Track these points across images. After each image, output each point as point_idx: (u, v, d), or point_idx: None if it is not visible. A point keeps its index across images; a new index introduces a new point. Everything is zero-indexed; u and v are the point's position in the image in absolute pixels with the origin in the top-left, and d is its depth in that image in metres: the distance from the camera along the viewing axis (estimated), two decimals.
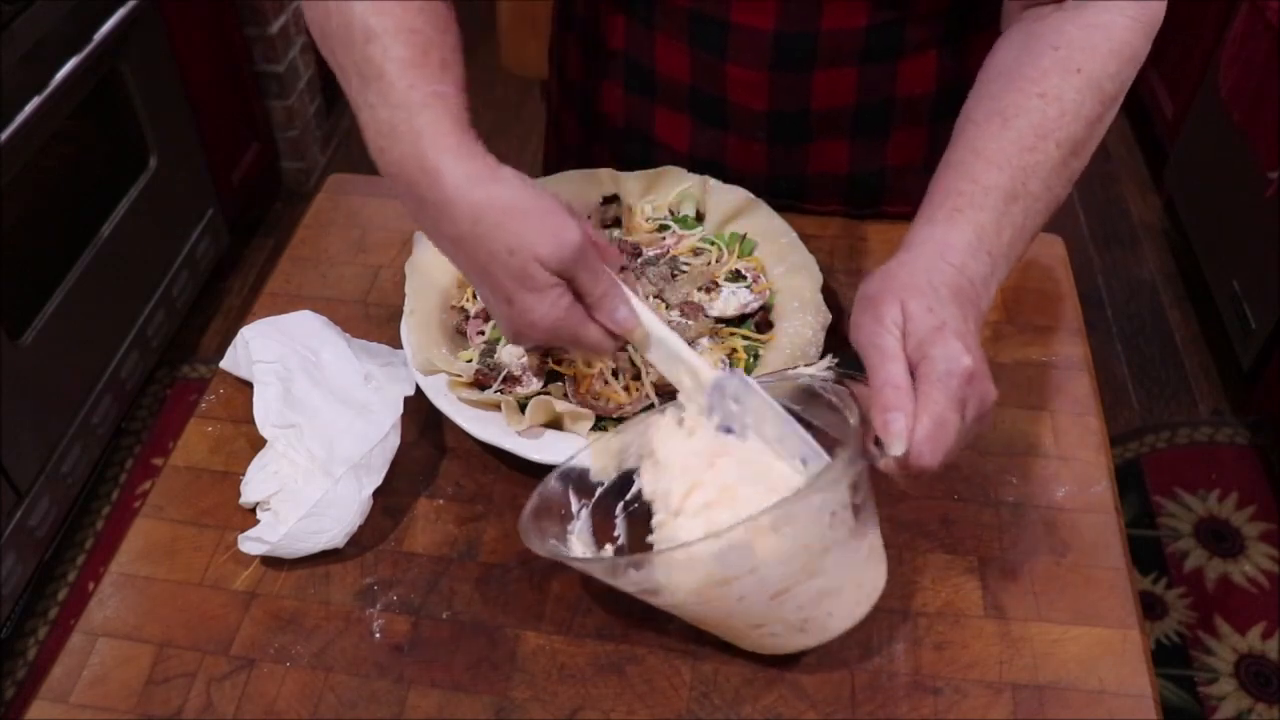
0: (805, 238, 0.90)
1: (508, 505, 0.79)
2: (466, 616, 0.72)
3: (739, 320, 0.85)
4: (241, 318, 1.51)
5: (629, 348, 0.80)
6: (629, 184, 0.94)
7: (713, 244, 0.91)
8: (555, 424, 0.78)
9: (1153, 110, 2.64)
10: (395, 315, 0.87)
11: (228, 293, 2.41)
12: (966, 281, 0.66)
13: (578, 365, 0.80)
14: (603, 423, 0.78)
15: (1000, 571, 0.74)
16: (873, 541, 0.67)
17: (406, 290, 0.86)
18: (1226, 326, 2.17)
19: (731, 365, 0.76)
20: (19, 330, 1.68)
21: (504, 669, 0.70)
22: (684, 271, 0.87)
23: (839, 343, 0.89)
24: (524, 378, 0.80)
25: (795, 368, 0.69)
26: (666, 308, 0.84)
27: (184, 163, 2.14)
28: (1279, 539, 1.91)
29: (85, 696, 0.69)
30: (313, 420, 0.77)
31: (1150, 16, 0.76)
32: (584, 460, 0.73)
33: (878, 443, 0.60)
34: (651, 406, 0.78)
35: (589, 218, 0.93)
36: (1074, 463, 0.80)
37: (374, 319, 0.93)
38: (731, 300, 0.85)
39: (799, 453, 0.66)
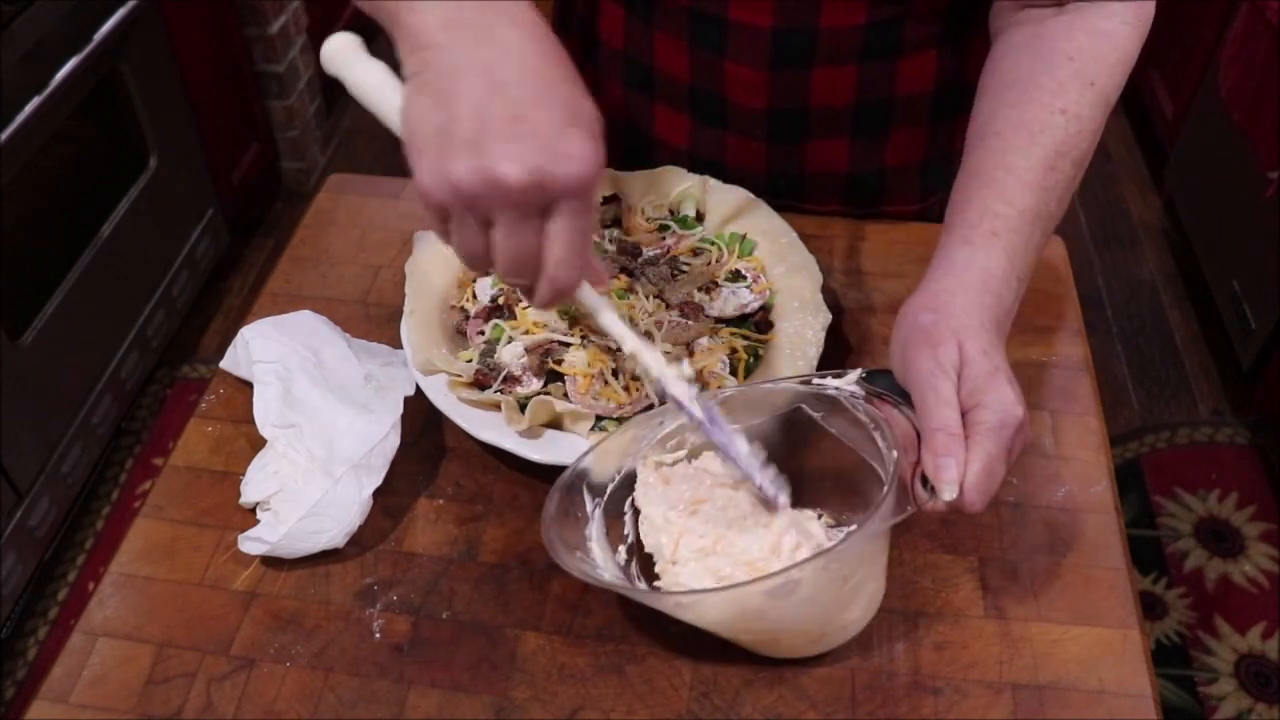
0: (805, 238, 0.90)
1: (508, 505, 0.79)
2: (466, 616, 0.72)
3: (739, 320, 0.85)
4: (241, 318, 1.51)
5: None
6: (629, 184, 0.94)
7: (713, 244, 0.91)
8: (555, 424, 0.78)
9: (1153, 110, 2.65)
10: (395, 315, 0.87)
11: (228, 293, 2.41)
12: (1003, 312, 0.68)
13: (577, 366, 0.80)
14: (603, 422, 0.78)
15: (1000, 571, 0.74)
16: (888, 552, 0.68)
17: (406, 290, 0.86)
18: (1226, 326, 2.17)
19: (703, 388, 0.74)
20: (19, 330, 1.68)
21: (504, 669, 0.70)
22: (684, 271, 0.87)
23: (838, 343, 0.89)
24: (524, 378, 0.80)
25: (822, 376, 0.69)
26: (666, 308, 0.84)
27: (184, 163, 2.14)
28: (1279, 539, 1.91)
29: (85, 696, 0.69)
30: (313, 420, 0.77)
31: (1145, 18, 0.77)
32: (590, 462, 0.72)
33: (924, 480, 0.61)
34: (651, 407, 0.78)
35: None
36: (1074, 463, 0.80)
37: (374, 319, 0.93)
38: (731, 300, 0.85)
39: (757, 476, 0.67)
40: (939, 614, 0.72)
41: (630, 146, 1.02)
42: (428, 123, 0.56)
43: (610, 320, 0.67)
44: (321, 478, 0.74)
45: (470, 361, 0.82)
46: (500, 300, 0.86)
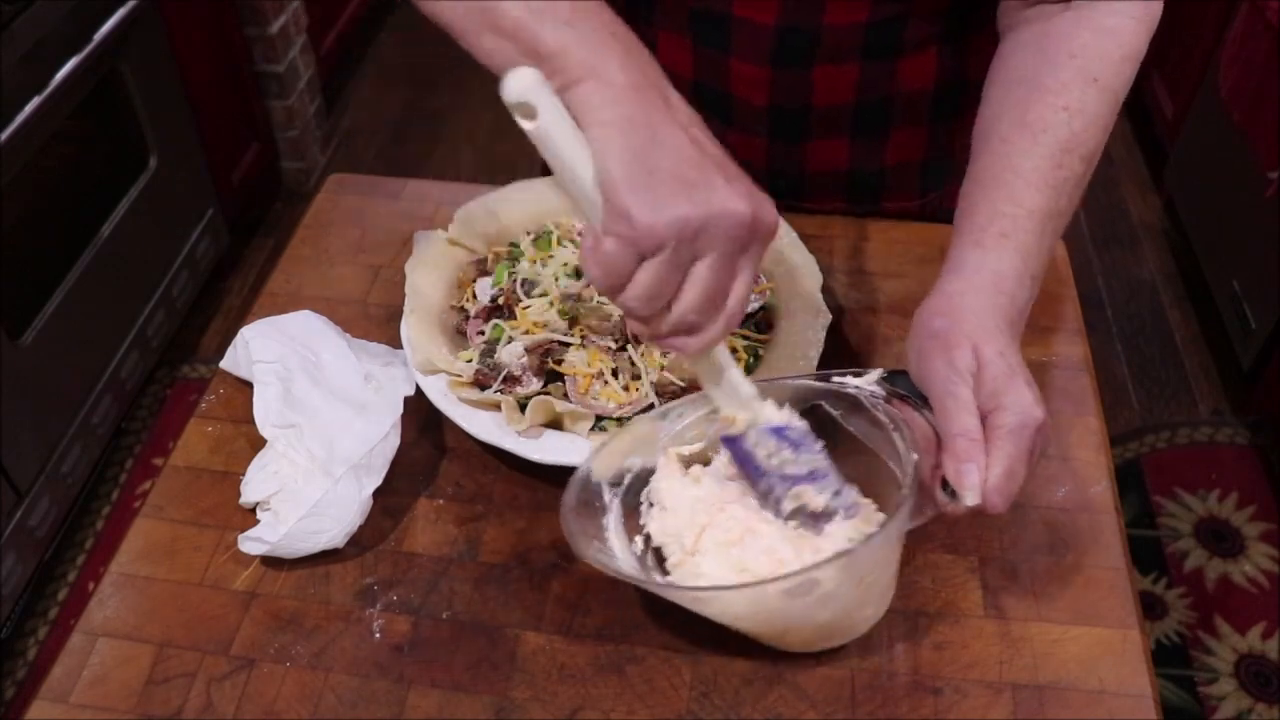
0: (805, 238, 0.90)
1: (508, 505, 0.79)
2: (466, 616, 0.72)
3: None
4: (241, 318, 1.51)
5: (630, 348, 0.80)
6: None
7: None
8: (555, 424, 0.78)
9: (1153, 110, 2.65)
10: (395, 315, 0.87)
11: (228, 293, 2.41)
12: (1016, 312, 0.69)
13: (577, 366, 0.80)
14: (603, 422, 0.78)
15: (1000, 571, 0.74)
16: (901, 551, 0.68)
17: (406, 290, 0.86)
18: (1226, 326, 2.17)
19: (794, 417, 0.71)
20: (19, 330, 1.68)
21: (504, 669, 0.70)
22: None
23: (839, 343, 0.89)
24: (524, 378, 0.80)
25: (843, 375, 0.69)
26: None
27: (184, 163, 2.14)
28: (1279, 539, 1.91)
29: (85, 696, 0.69)
30: (313, 420, 0.77)
31: (1152, 15, 0.77)
32: (610, 453, 0.72)
33: (945, 484, 0.62)
34: (651, 407, 0.78)
35: None
36: (1074, 463, 0.80)
37: (374, 319, 0.93)
38: None
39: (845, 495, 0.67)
40: (939, 614, 0.72)
41: None
42: (639, 165, 0.57)
43: (725, 358, 0.67)
44: (321, 478, 0.74)
45: (470, 361, 0.82)
46: (500, 300, 0.86)
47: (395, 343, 0.85)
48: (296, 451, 0.76)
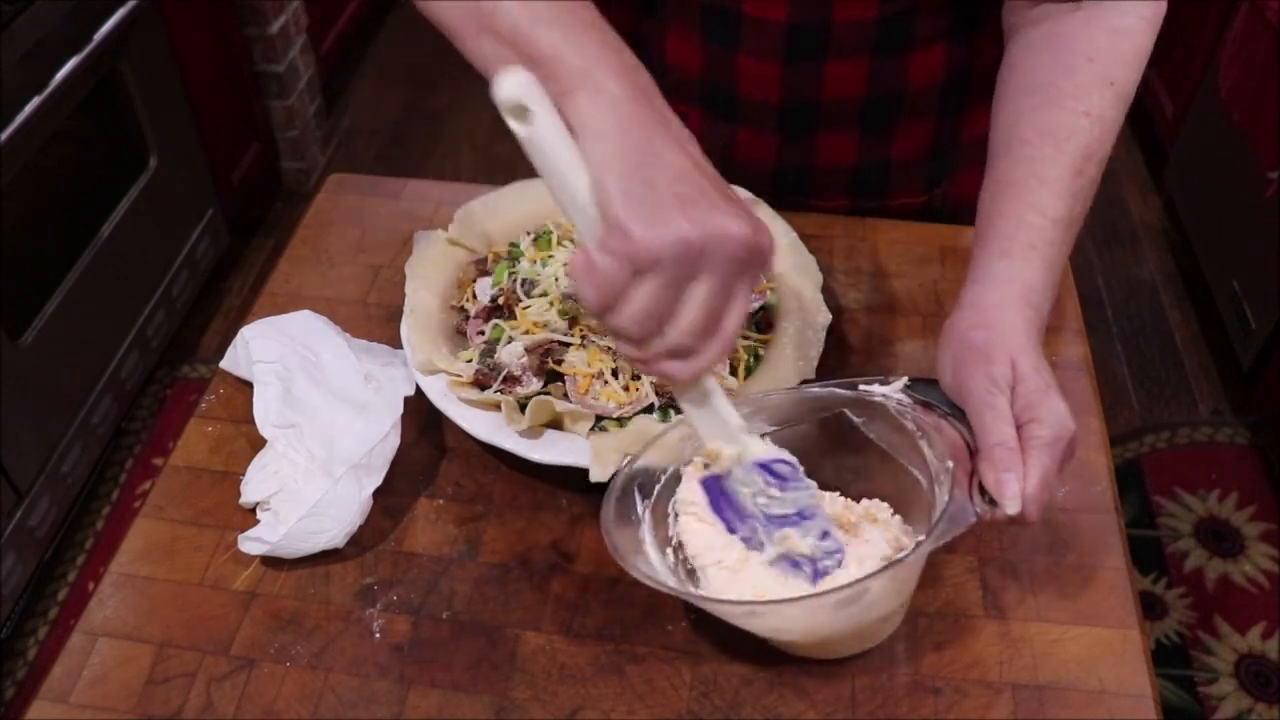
0: (805, 238, 0.90)
1: (508, 505, 0.79)
2: (466, 616, 0.72)
3: None
4: (241, 318, 1.51)
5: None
6: None
7: None
8: (555, 424, 0.78)
9: (1153, 110, 2.64)
10: (395, 315, 0.87)
11: (228, 293, 2.41)
12: (1041, 322, 0.70)
13: (577, 366, 0.80)
14: (603, 422, 0.78)
15: (1000, 571, 0.74)
16: None
17: (406, 290, 0.86)
18: (1226, 326, 2.17)
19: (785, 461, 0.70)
20: (19, 330, 1.68)
21: (504, 669, 0.70)
22: None
23: (839, 343, 0.89)
24: (524, 378, 0.80)
25: (869, 383, 0.69)
26: None
27: (184, 163, 2.14)
28: (1279, 539, 1.91)
29: (85, 696, 0.69)
30: (313, 420, 0.77)
31: (1159, 15, 0.78)
32: (647, 459, 0.71)
33: (983, 493, 0.63)
34: (651, 407, 0.78)
35: None
36: (1074, 463, 0.80)
37: (374, 319, 0.93)
38: None
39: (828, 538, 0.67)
40: (939, 614, 0.72)
41: None
42: (637, 179, 0.55)
43: (713, 387, 0.65)
44: (321, 478, 0.74)
45: (470, 361, 0.82)
46: (500, 300, 0.86)
47: (395, 343, 0.85)
48: (296, 451, 0.76)
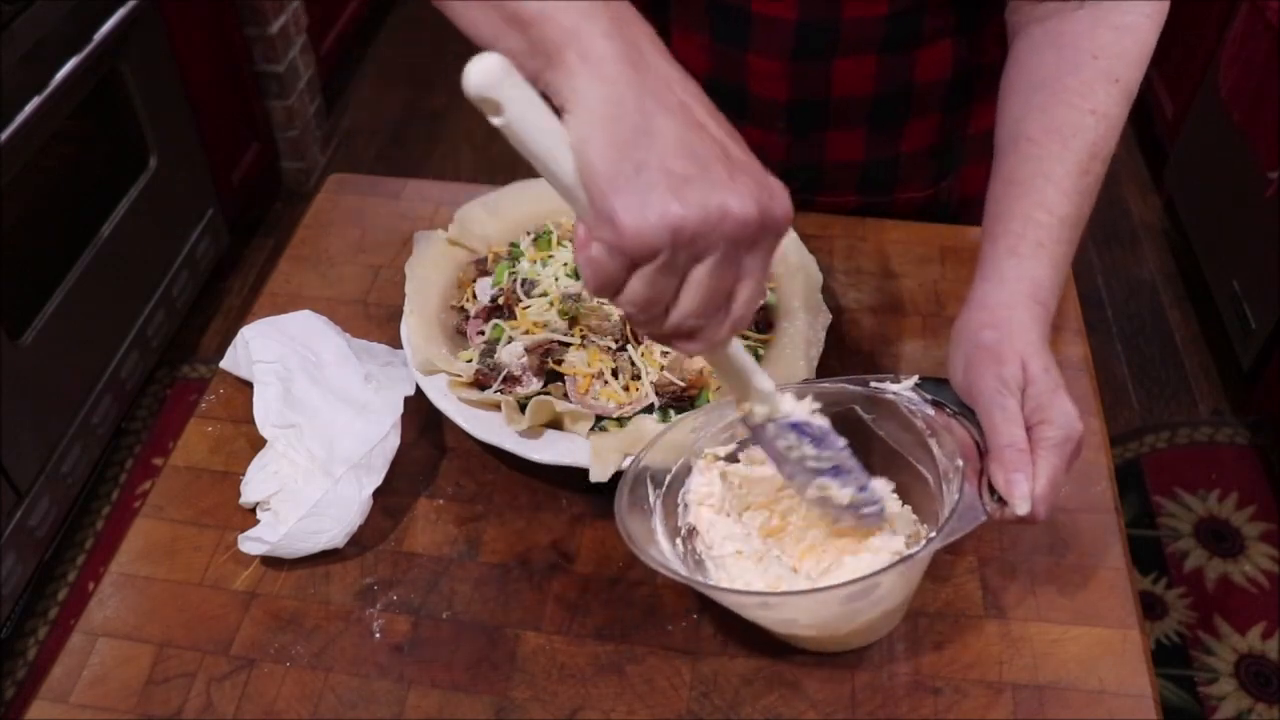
0: (805, 238, 0.90)
1: (508, 505, 0.79)
2: (466, 616, 0.72)
3: None
4: (241, 318, 1.51)
5: (630, 348, 0.80)
6: None
7: None
8: (555, 424, 0.78)
9: (1153, 110, 2.64)
10: (395, 315, 0.87)
11: (228, 293, 2.41)
12: (1048, 321, 0.70)
13: (577, 366, 0.80)
14: (603, 422, 0.78)
15: (1000, 571, 0.74)
16: None
17: (406, 290, 0.86)
18: (1226, 326, 2.17)
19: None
20: (19, 330, 1.68)
21: (504, 669, 0.70)
22: None
23: (839, 343, 0.89)
24: (524, 378, 0.80)
25: (881, 380, 0.70)
26: None
27: (184, 163, 2.14)
28: (1279, 539, 1.91)
29: (85, 696, 0.69)
30: (313, 420, 0.77)
31: (1162, 13, 0.78)
32: (649, 459, 0.71)
33: (993, 492, 0.64)
34: (651, 407, 0.78)
35: None
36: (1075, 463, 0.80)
37: (374, 319, 0.93)
38: None
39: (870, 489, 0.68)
40: (939, 614, 0.72)
41: None
42: (626, 160, 0.50)
43: (739, 351, 0.63)
44: (321, 478, 0.74)
45: (470, 361, 0.82)
46: (500, 300, 0.86)
47: (395, 343, 0.85)
48: (296, 451, 0.76)
